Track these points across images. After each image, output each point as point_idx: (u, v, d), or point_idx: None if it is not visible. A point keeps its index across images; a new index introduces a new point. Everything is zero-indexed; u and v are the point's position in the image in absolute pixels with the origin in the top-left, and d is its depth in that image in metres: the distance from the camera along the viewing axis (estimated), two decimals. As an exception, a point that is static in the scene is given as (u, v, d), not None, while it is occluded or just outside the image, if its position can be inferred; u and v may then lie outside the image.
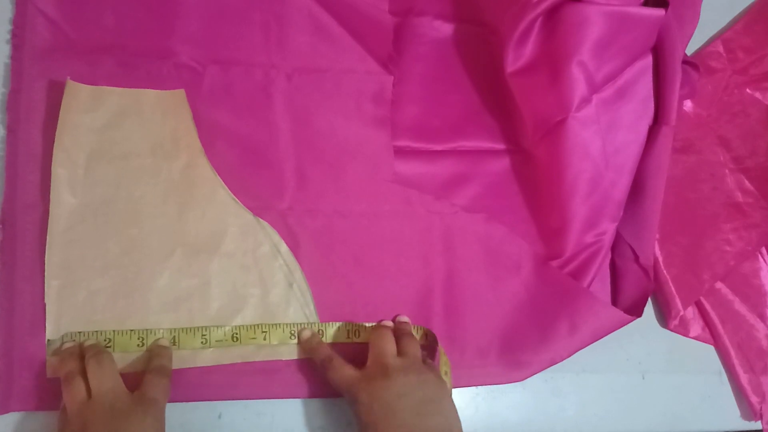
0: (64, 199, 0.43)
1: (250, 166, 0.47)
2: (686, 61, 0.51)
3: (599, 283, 0.51)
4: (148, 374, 0.40)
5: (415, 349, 0.44)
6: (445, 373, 0.44)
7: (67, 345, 0.41)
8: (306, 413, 0.46)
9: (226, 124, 0.48)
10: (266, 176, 0.48)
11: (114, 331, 0.42)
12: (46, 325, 0.42)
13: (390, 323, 0.47)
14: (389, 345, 0.43)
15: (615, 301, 0.52)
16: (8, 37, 0.45)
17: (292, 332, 0.45)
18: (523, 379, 0.48)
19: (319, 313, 0.47)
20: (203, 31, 0.48)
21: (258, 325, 0.45)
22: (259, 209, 0.47)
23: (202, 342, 0.43)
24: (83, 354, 0.40)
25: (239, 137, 0.48)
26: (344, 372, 0.43)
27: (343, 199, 0.49)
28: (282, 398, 0.45)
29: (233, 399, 0.44)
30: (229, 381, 0.44)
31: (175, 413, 0.43)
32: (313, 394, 0.46)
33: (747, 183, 0.56)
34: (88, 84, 0.45)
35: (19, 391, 0.41)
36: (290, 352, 0.45)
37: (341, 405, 0.46)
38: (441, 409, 0.41)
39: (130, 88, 0.46)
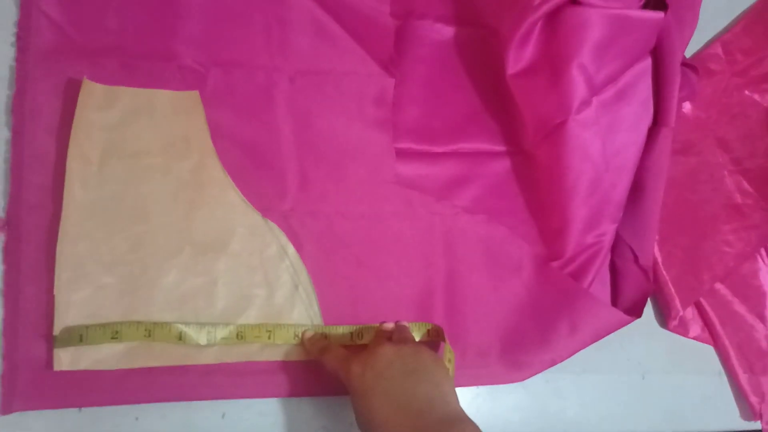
0: (76, 193, 0.43)
1: (253, 168, 0.48)
2: (685, 64, 0.52)
3: (599, 284, 0.52)
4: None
5: (408, 335, 0.45)
6: (449, 360, 0.44)
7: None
8: (309, 413, 0.46)
9: (229, 126, 0.48)
10: (268, 178, 0.48)
11: (121, 323, 0.42)
12: (55, 317, 0.42)
13: (391, 325, 0.47)
14: (384, 335, 0.45)
15: (615, 302, 0.52)
16: (13, 39, 0.45)
17: (296, 333, 0.45)
18: (523, 380, 0.49)
19: (321, 314, 0.47)
20: (205, 33, 0.48)
21: (263, 324, 0.45)
22: (261, 210, 0.47)
23: (207, 338, 0.44)
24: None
25: (241, 139, 0.48)
26: (339, 352, 0.43)
27: (344, 201, 0.49)
28: (285, 397, 0.46)
29: (236, 398, 0.45)
30: (232, 381, 0.44)
31: (179, 413, 0.44)
32: (316, 394, 0.46)
33: (746, 184, 0.56)
34: (92, 86, 0.45)
35: (22, 391, 0.41)
36: (294, 353, 0.45)
37: (344, 404, 0.46)
38: (432, 378, 0.39)
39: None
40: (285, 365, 0.45)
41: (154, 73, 0.47)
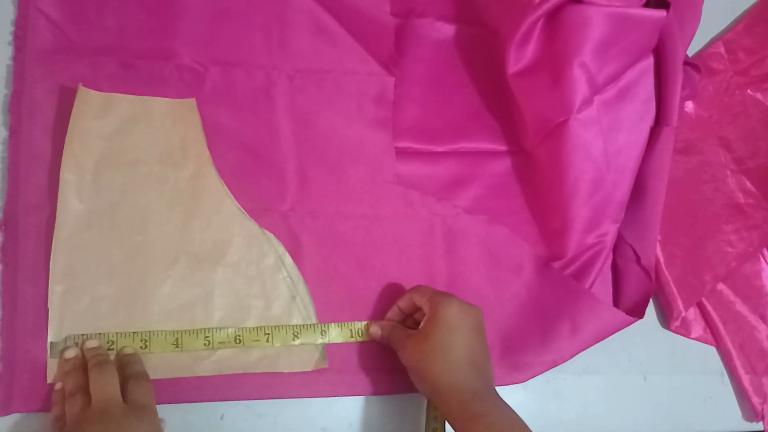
0: (71, 204, 0.43)
1: (252, 168, 0.47)
2: (687, 62, 0.51)
3: (601, 285, 0.51)
4: (131, 382, 0.39)
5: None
6: None
7: (70, 353, 0.41)
8: (308, 414, 0.46)
9: (228, 125, 0.48)
10: (268, 178, 0.48)
11: (117, 333, 0.42)
12: (49, 330, 0.41)
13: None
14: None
15: (616, 303, 0.52)
16: (10, 38, 0.45)
17: (296, 333, 0.45)
18: (524, 381, 0.49)
19: (320, 314, 0.47)
20: (205, 32, 0.48)
21: (261, 327, 0.45)
22: (260, 211, 0.47)
23: (204, 344, 0.43)
24: (86, 365, 0.40)
25: (241, 138, 0.48)
26: (429, 288, 0.45)
27: (344, 201, 0.49)
28: (284, 398, 0.45)
29: (235, 400, 0.44)
30: (231, 382, 0.44)
31: (177, 414, 0.44)
32: (314, 395, 0.46)
33: (748, 184, 0.56)
34: (91, 86, 0.45)
35: (21, 392, 0.41)
36: (290, 364, 0.45)
37: (343, 406, 0.46)
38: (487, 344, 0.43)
39: (131, 89, 0.46)
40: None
41: (153, 73, 0.47)
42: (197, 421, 0.44)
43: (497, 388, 0.48)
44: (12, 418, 0.41)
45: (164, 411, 0.43)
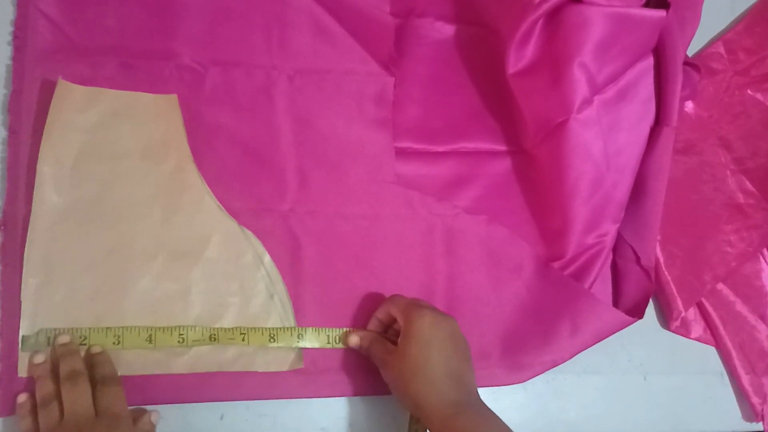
0: (47, 197, 0.43)
1: (252, 168, 0.47)
2: (687, 62, 0.51)
3: (600, 285, 0.51)
4: (99, 387, 0.39)
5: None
6: None
7: (39, 358, 0.41)
8: (308, 414, 0.46)
9: (228, 125, 0.48)
10: (268, 178, 0.48)
11: (90, 328, 0.42)
12: (21, 323, 0.41)
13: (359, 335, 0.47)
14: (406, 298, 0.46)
15: (616, 303, 0.52)
16: (10, 38, 0.45)
17: (272, 335, 0.45)
18: (524, 381, 0.49)
19: (319, 315, 0.47)
20: (205, 32, 0.48)
21: (237, 327, 0.45)
22: (260, 211, 0.47)
23: (179, 341, 0.43)
24: (56, 368, 0.40)
25: (241, 138, 0.48)
26: (403, 298, 0.45)
27: (344, 201, 0.49)
28: (284, 399, 0.45)
29: (235, 400, 0.44)
30: (231, 382, 0.44)
31: (177, 415, 0.44)
32: (315, 395, 0.46)
33: (748, 184, 0.56)
34: (90, 85, 0.45)
35: (20, 392, 0.41)
36: (266, 364, 0.45)
37: (343, 406, 0.46)
38: (470, 364, 0.43)
39: (131, 89, 0.46)
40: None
41: (153, 73, 0.47)
42: (197, 421, 0.44)
43: (497, 389, 0.49)
44: (12, 419, 0.41)
45: (164, 411, 0.43)
